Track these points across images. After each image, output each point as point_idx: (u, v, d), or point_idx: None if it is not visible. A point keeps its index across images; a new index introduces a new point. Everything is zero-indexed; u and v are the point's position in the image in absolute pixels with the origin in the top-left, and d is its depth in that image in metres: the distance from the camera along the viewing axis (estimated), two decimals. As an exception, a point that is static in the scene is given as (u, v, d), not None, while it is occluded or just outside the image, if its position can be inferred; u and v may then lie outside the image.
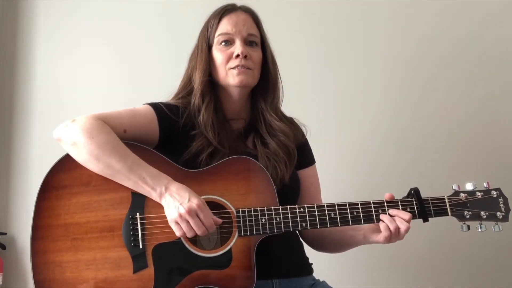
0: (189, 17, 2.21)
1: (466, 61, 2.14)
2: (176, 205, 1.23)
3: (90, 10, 2.33)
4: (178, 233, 1.24)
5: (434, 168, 2.07)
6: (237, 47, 1.43)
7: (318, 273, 1.54)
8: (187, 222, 1.23)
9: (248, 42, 1.47)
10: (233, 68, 1.44)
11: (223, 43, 1.46)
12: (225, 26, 1.46)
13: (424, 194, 1.37)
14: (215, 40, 1.47)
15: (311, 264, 1.54)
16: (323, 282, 1.51)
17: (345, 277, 2.01)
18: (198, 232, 1.23)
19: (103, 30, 2.33)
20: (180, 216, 1.22)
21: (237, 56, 1.43)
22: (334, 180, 1.96)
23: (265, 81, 1.52)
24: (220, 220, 1.27)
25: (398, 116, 2.14)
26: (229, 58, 1.44)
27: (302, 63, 2.19)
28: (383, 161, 2.11)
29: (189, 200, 1.23)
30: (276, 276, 1.41)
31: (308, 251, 1.58)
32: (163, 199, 1.26)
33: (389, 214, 1.33)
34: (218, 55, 1.46)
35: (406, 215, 1.32)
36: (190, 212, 1.22)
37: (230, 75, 1.44)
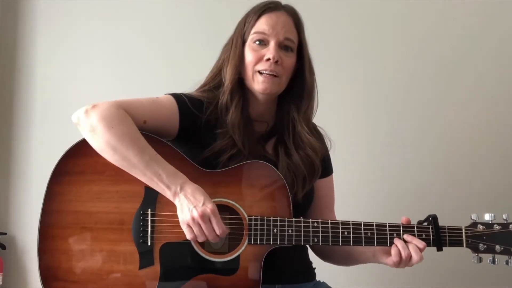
0: (189, 17, 2.21)
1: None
2: (190, 207, 1.20)
3: (90, 10, 2.30)
4: (189, 236, 1.22)
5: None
6: (270, 50, 1.37)
7: (319, 275, 1.54)
8: (199, 226, 1.20)
9: (283, 46, 1.39)
10: (261, 71, 1.38)
11: (257, 42, 1.39)
12: (262, 25, 1.39)
13: (440, 218, 1.34)
14: (250, 37, 1.40)
15: (314, 268, 1.53)
16: (323, 283, 1.51)
17: (345, 278, 2.00)
18: (209, 238, 1.21)
19: (103, 30, 2.30)
20: (193, 219, 1.20)
21: (268, 59, 1.36)
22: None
23: (300, 89, 1.45)
24: (228, 230, 1.25)
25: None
26: (259, 60, 1.38)
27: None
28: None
29: (203, 204, 1.20)
30: (280, 282, 1.40)
31: (311, 253, 1.57)
32: (176, 199, 1.23)
33: (403, 239, 1.30)
34: (249, 53, 1.39)
35: (421, 243, 1.29)
36: (204, 216, 1.19)
37: (256, 80, 1.39)
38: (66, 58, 2.30)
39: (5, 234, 2.23)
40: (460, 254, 1.96)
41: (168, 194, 1.24)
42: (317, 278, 1.52)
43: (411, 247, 1.28)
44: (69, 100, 2.25)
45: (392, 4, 2.16)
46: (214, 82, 1.45)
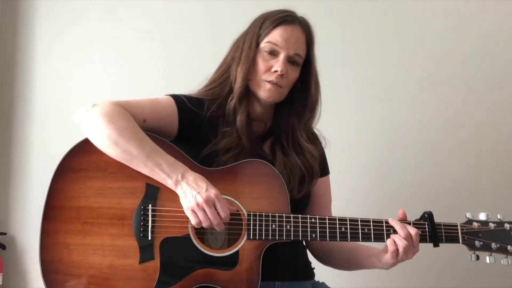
0: (189, 17, 2.24)
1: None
2: (194, 193, 1.23)
3: (90, 10, 2.33)
4: (193, 222, 1.24)
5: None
6: (279, 63, 1.40)
7: (318, 275, 1.55)
8: (204, 211, 1.23)
9: (291, 60, 1.43)
10: (268, 81, 1.42)
11: (268, 51, 1.43)
12: (276, 36, 1.42)
13: (436, 217, 1.35)
14: (262, 44, 1.43)
15: (313, 268, 1.55)
16: (322, 283, 1.52)
17: (345, 279, 1.99)
18: (214, 222, 1.23)
19: (103, 30, 2.33)
20: (198, 204, 1.22)
21: (275, 71, 1.41)
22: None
23: (304, 101, 1.49)
24: (235, 208, 1.28)
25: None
26: (267, 70, 1.42)
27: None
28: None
29: (206, 190, 1.23)
30: (279, 279, 1.41)
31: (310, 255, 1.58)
32: (178, 187, 1.26)
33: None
34: (260, 62, 1.43)
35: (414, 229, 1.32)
36: (208, 201, 1.22)
37: (262, 87, 1.43)
38: (66, 58, 2.32)
39: (5, 234, 2.23)
40: (459, 255, 1.98)
41: (169, 183, 1.27)
42: (316, 279, 1.53)
43: (407, 228, 1.31)
44: (69, 100, 2.28)
45: (396, 4, 2.21)
46: (221, 79, 1.48)
